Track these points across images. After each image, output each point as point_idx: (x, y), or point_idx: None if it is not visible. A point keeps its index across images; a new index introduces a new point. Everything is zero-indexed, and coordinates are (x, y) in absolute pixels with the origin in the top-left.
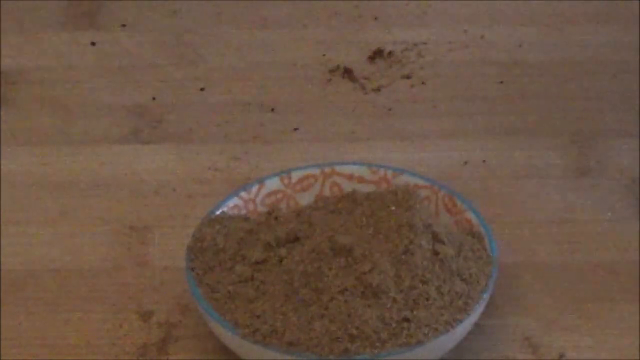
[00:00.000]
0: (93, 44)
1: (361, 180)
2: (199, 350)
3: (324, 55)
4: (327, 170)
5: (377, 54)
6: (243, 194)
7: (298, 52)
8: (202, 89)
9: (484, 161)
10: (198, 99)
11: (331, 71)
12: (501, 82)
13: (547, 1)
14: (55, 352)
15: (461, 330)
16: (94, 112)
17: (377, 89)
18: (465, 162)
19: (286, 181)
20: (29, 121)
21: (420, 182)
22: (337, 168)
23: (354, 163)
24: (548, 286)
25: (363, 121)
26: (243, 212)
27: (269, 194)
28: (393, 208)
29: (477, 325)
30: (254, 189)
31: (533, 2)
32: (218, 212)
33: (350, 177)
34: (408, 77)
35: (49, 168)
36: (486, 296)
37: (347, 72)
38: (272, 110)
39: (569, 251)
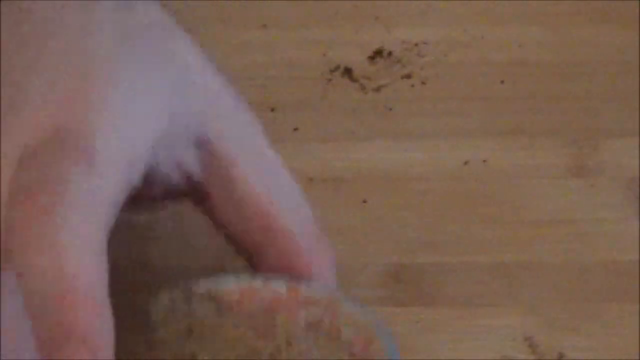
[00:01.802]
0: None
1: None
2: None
3: (324, 55)
4: (335, 300)
5: (377, 54)
6: (243, 282)
7: (298, 52)
8: None
9: (484, 161)
10: None
11: (331, 71)
12: (501, 82)
13: (547, 1)
14: None
15: None
16: None
17: (377, 89)
18: (466, 162)
19: (293, 294)
20: None
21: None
22: (341, 308)
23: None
24: (548, 286)
25: (363, 121)
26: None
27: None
28: None
29: (475, 325)
30: (257, 284)
31: (533, 2)
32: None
33: (346, 324)
34: (408, 77)
35: None
36: None
37: (347, 72)
38: (272, 110)
39: (569, 251)
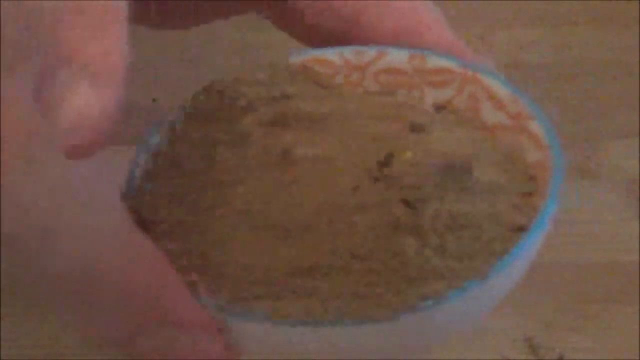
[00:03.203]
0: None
1: (499, 105)
2: None
3: None
4: (470, 74)
5: None
6: (349, 53)
7: None
8: None
9: None
10: None
11: None
12: None
13: (547, 1)
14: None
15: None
16: None
17: None
18: None
19: (417, 63)
20: None
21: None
22: (482, 78)
23: (503, 82)
24: (548, 286)
25: None
26: (335, 78)
27: (388, 70)
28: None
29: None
30: (370, 53)
31: (533, 2)
32: (295, 60)
33: (490, 96)
34: None
35: None
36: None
37: None
38: None
39: (569, 251)
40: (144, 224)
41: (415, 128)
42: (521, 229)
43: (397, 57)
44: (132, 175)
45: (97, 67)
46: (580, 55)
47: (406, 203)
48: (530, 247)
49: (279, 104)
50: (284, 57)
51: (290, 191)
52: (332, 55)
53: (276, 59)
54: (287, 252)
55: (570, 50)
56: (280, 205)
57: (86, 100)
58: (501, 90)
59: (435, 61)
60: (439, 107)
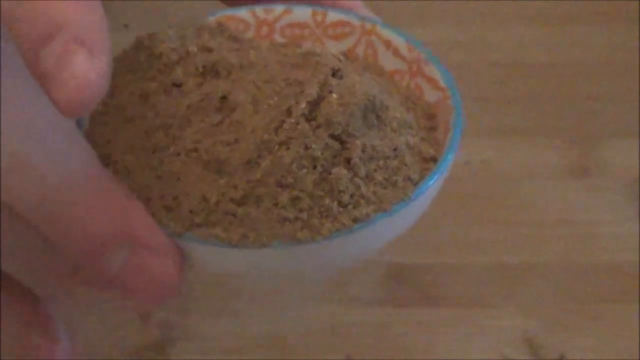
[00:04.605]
0: None
1: (396, 53)
2: (198, 352)
3: None
4: (368, 27)
5: None
6: (259, 11)
7: None
8: None
9: (484, 161)
10: None
11: None
12: (501, 82)
13: (547, 1)
14: None
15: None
16: None
17: None
18: (466, 162)
19: (319, 18)
20: None
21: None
22: (379, 29)
23: (398, 33)
24: (548, 286)
25: None
26: (246, 33)
27: (292, 25)
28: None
29: (475, 325)
30: (277, 10)
31: (533, 2)
32: (211, 18)
33: (388, 45)
34: None
35: None
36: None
37: None
38: None
39: (569, 251)
40: None
41: (335, 73)
42: (432, 159)
43: (301, 13)
44: (80, 122)
45: (89, 35)
46: (580, 55)
47: (336, 138)
48: (443, 173)
49: (204, 55)
50: (202, 17)
51: (229, 132)
52: (244, 12)
53: (196, 18)
54: (225, 185)
55: (570, 50)
56: (222, 144)
57: (84, 70)
58: (398, 39)
59: (336, 16)
60: (345, 53)
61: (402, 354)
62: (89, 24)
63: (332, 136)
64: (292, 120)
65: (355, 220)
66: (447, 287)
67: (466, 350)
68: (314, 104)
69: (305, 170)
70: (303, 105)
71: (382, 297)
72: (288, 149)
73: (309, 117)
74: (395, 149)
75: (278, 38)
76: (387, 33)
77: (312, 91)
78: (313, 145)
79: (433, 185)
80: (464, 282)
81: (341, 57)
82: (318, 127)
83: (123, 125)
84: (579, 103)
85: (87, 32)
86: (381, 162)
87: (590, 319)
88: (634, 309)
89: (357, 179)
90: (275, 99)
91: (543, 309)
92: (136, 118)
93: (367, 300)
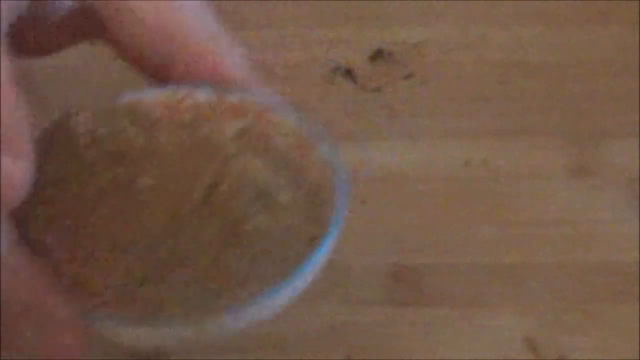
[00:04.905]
0: (93, 43)
1: (288, 133)
2: (198, 352)
3: (324, 55)
4: (263, 108)
5: (377, 54)
6: (165, 93)
7: (298, 52)
8: None
9: (484, 161)
10: None
11: (332, 71)
12: (501, 82)
13: (547, 1)
14: None
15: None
16: None
17: (377, 89)
18: (466, 162)
19: (219, 100)
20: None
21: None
22: (273, 110)
23: (291, 113)
24: (548, 286)
25: (363, 121)
26: (153, 114)
27: (195, 106)
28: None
29: (475, 325)
30: (182, 92)
31: (533, 2)
32: (122, 100)
33: (281, 125)
34: (408, 77)
35: None
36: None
37: (348, 73)
38: None
39: (569, 251)
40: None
41: (228, 160)
42: (315, 239)
43: (202, 95)
44: None
45: (14, 136)
46: (580, 55)
47: (229, 223)
48: (324, 254)
49: (114, 138)
50: (116, 98)
51: (134, 215)
52: (152, 94)
53: (110, 100)
54: (128, 265)
55: (570, 50)
56: (127, 227)
57: (10, 172)
58: (290, 119)
59: (234, 98)
60: (239, 136)
61: (402, 354)
62: (14, 124)
63: (225, 221)
64: (189, 207)
65: (246, 297)
66: (447, 287)
67: (466, 350)
68: (209, 191)
69: (200, 253)
70: (198, 192)
71: (382, 297)
72: (185, 233)
73: (204, 203)
74: (282, 230)
75: (182, 119)
76: (280, 113)
77: (207, 180)
78: (207, 230)
79: (316, 263)
80: (464, 282)
81: (236, 139)
82: (211, 213)
83: (39, 206)
84: (579, 103)
85: (12, 133)
86: (269, 243)
87: (590, 319)
88: (634, 309)
89: (246, 260)
90: (175, 185)
91: (543, 309)
92: (50, 199)
93: (367, 300)
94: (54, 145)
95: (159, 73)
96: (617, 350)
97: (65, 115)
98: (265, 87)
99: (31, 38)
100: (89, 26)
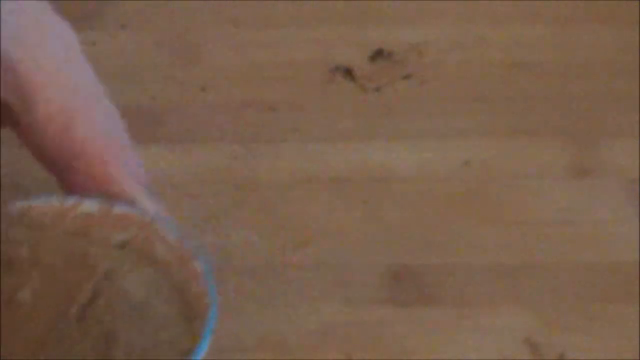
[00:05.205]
0: (93, 44)
1: (169, 246)
2: None
3: (324, 55)
4: (147, 220)
5: (377, 54)
6: (55, 201)
7: (298, 52)
8: (202, 89)
9: (484, 161)
10: (198, 99)
11: (331, 71)
12: (501, 82)
13: (547, 1)
14: None
15: None
16: None
17: (377, 89)
18: (466, 162)
19: (105, 211)
20: None
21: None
22: (156, 224)
23: (172, 228)
24: (548, 286)
25: (363, 121)
26: (43, 221)
27: (83, 215)
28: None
29: (475, 325)
30: (70, 202)
31: (533, 2)
32: (13, 207)
33: (162, 239)
34: (408, 77)
35: None
36: None
37: (348, 72)
38: (272, 110)
39: (569, 251)
40: None
41: (108, 274)
42: (188, 352)
43: (90, 205)
44: None
45: None
46: (580, 55)
47: (104, 337)
48: None
49: (3, 246)
50: (9, 205)
51: (14, 327)
52: (42, 202)
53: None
54: None
55: (570, 50)
56: (8, 339)
57: None
58: (171, 233)
59: (120, 209)
60: (123, 245)
61: (402, 354)
62: None
63: (100, 335)
64: (66, 322)
65: None
66: (447, 287)
67: (466, 350)
68: (87, 305)
69: None
70: (75, 308)
71: (382, 297)
72: (61, 348)
73: (80, 318)
74: (155, 345)
75: (69, 227)
76: (162, 227)
77: (85, 294)
78: (82, 345)
79: None
80: (464, 282)
81: (119, 250)
82: (87, 328)
83: None
84: (579, 103)
85: None
86: (142, 356)
87: (590, 319)
88: (634, 309)
89: None
90: (54, 299)
91: (543, 309)
92: None
93: (367, 300)
94: None
95: (61, 176)
96: (617, 350)
97: None
98: (152, 200)
99: None
100: (5, 116)
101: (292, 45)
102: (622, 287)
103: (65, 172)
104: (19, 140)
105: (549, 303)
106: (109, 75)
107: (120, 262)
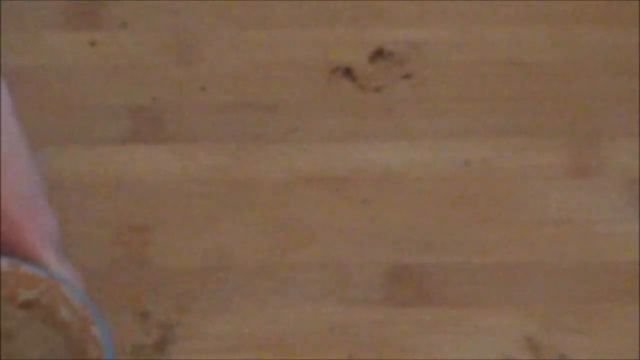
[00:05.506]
0: (93, 44)
1: (71, 309)
2: (198, 351)
3: (324, 55)
4: (53, 282)
5: (377, 54)
6: None
7: (298, 52)
8: (202, 89)
9: (484, 161)
10: (198, 99)
11: (331, 71)
12: (501, 82)
13: (546, 1)
14: None
15: None
16: (93, 112)
17: (377, 89)
18: (466, 162)
19: (14, 269)
20: (28, 121)
21: None
22: (61, 286)
23: (75, 292)
24: (548, 286)
25: (363, 121)
26: None
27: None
28: None
29: (476, 325)
30: None
31: (533, 2)
32: None
33: (66, 301)
34: (408, 77)
35: (48, 168)
36: None
37: (348, 72)
38: (272, 110)
39: (569, 251)
40: None
41: (7, 335)
42: None
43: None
44: None
45: None
46: (580, 55)
47: None
48: None
49: None
50: None
51: None
52: None
53: None
54: None
55: (570, 50)
56: None
57: None
58: (74, 297)
59: (28, 269)
60: (27, 305)
61: (402, 354)
62: None
63: None
64: None
65: None
66: (447, 287)
67: (466, 350)
68: None
69: None
70: None
71: (382, 297)
72: None
73: None
74: None
75: None
76: (67, 290)
77: None
78: None
79: None
80: (464, 282)
81: (24, 309)
82: None
83: None
84: (579, 103)
85: None
86: None
87: (590, 319)
88: (634, 309)
89: None
90: None
91: (543, 309)
92: None
93: (367, 300)
94: None
95: None
96: (617, 350)
97: None
98: (62, 263)
99: None
100: None
101: (292, 45)
102: (622, 287)
103: None
104: None
105: (549, 303)
106: (109, 75)
107: (22, 322)
